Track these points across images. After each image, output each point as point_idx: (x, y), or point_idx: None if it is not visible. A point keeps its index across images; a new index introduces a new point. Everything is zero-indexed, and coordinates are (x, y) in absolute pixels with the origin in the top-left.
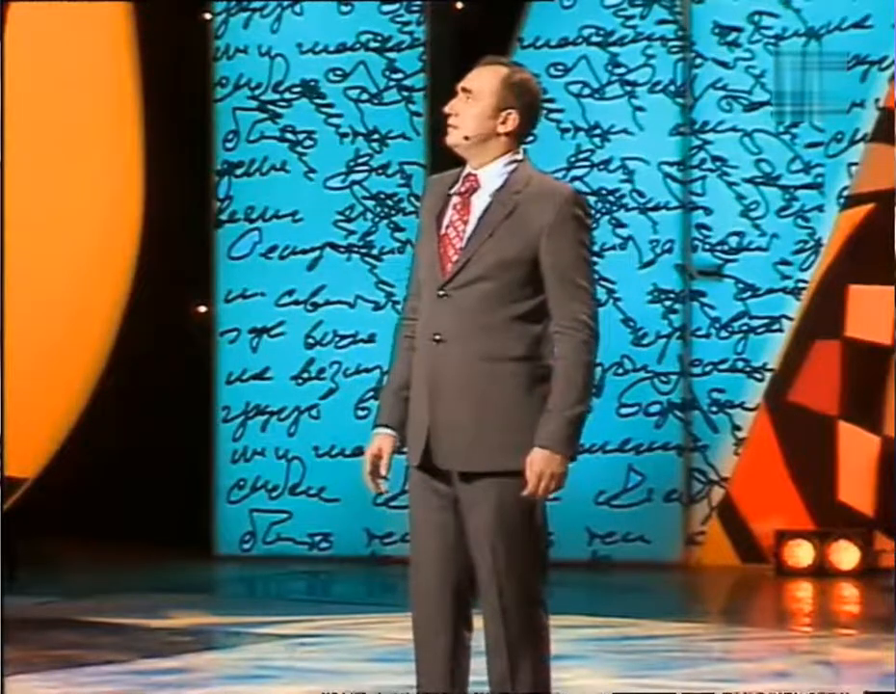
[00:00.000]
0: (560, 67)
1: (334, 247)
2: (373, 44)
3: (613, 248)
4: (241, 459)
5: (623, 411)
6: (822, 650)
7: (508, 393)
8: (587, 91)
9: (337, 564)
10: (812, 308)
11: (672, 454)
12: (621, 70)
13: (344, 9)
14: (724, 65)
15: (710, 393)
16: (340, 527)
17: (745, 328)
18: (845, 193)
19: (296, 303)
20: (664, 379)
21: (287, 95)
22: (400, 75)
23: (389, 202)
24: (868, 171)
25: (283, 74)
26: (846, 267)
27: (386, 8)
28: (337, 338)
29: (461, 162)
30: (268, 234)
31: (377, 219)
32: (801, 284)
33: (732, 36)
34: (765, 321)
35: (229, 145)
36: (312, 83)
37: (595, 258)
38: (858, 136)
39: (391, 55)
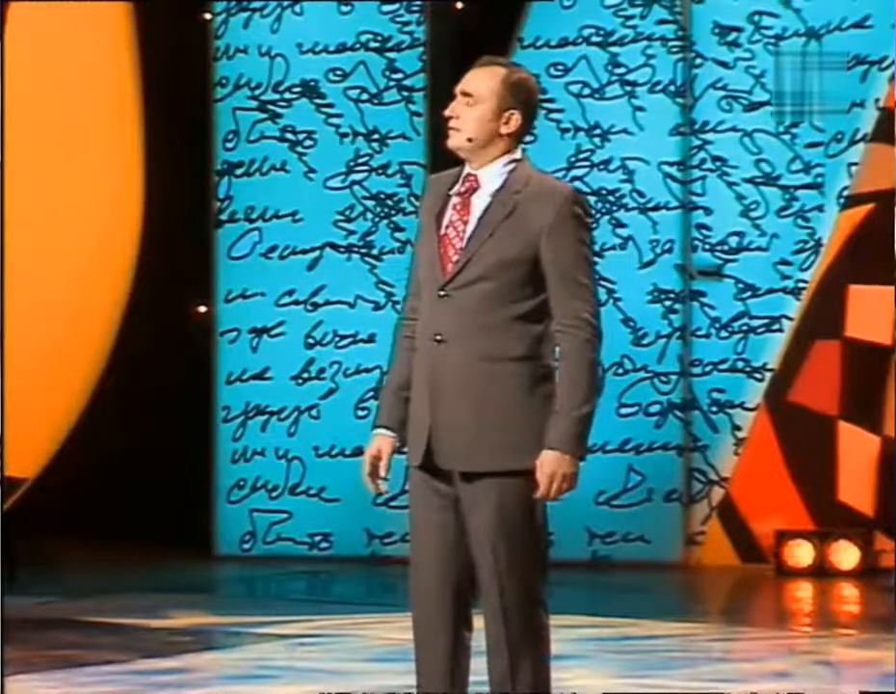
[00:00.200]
0: (560, 67)
1: (334, 247)
2: (373, 44)
3: (613, 248)
4: (241, 459)
5: (623, 411)
6: (822, 650)
7: (508, 393)
8: (587, 91)
9: (337, 564)
10: (812, 308)
11: (672, 454)
12: (621, 70)
13: (344, 9)
14: (724, 65)
15: (710, 393)
16: (340, 527)
17: (745, 328)
18: (845, 193)
19: (296, 303)
20: (664, 379)
21: (287, 95)
22: (400, 75)
23: (389, 202)
24: (868, 171)
25: (283, 74)
26: (846, 267)
27: (386, 8)
28: (337, 338)
29: (461, 162)
30: (268, 234)
31: (377, 219)
32: (801, 284)
33: (732, 36)
34: (765, 321)
35: (229, 145)
36: (312, 83)
37: (595, 258)
38: (858, 136)
39: (391, 55)
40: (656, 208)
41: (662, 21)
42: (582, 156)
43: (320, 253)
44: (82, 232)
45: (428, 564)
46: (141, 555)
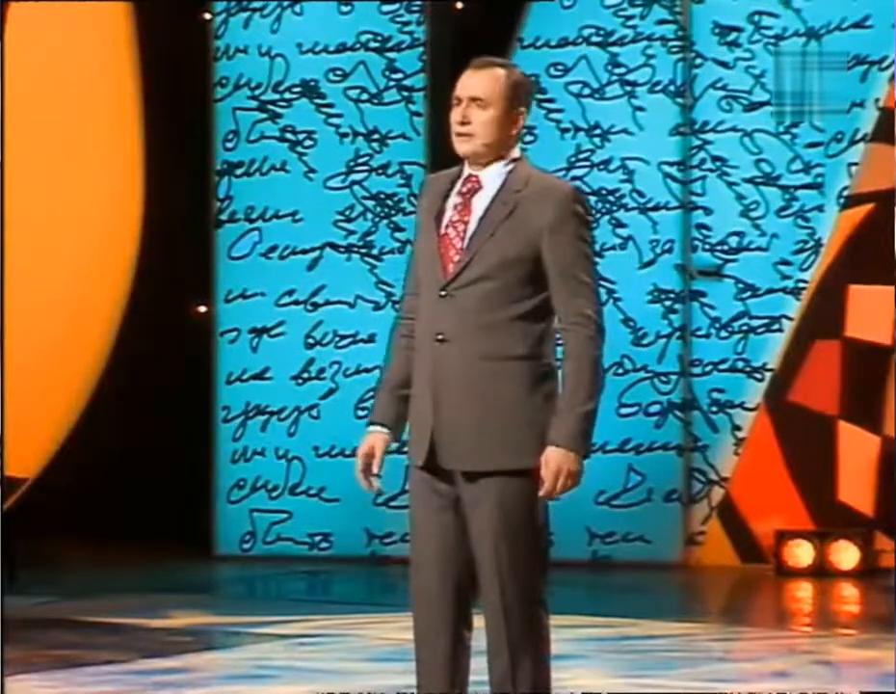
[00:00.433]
0: (560, 67)
1: (334, 247)
2: (373, 44)
3: (613, 248)
4: (241, 459)
5: (623, 411)
6: (822, 650)
7: (510, 392)
8: (587, 91)
9: (337, 564)
10: (812, 308)
11: (671, 454)
12: (621, 70)
13: (344, 9)
14: (724, 65)
15: (710, 393)
16: (340, 527)
17: (745, 328)
18: (845, 193)
19: (296, 303)
20: (664, 379)
21: (287, 95)
22: (400, 75)
23: (389, 202)
24: (868, 171)
25: (283, 74)
26: (846, 267)
27: (386, 8)
28: (337, 338)
29: (460, 161)
30: (268, 234)
31: (377, 219)
32: (801, 284)
33: (732, 36)
34: (765, 321)
35: (229, 145)
36: (312, 83)
37: (596, 258)
38: (858, 136)
39: (391, 55)
40: (656, 208)
41: (662, 21)
42: (582, 156)
43: (320, 253)
44: (82, 232)
45: (428, 564)
46: (141, 555)
